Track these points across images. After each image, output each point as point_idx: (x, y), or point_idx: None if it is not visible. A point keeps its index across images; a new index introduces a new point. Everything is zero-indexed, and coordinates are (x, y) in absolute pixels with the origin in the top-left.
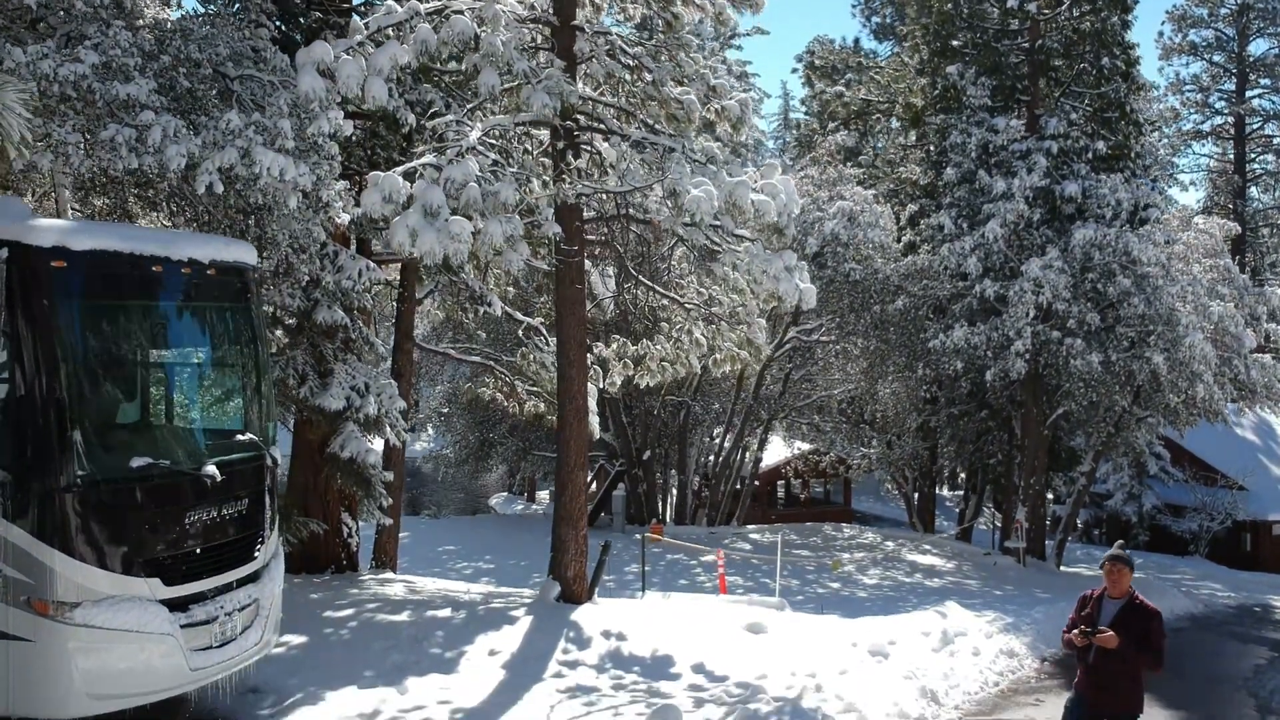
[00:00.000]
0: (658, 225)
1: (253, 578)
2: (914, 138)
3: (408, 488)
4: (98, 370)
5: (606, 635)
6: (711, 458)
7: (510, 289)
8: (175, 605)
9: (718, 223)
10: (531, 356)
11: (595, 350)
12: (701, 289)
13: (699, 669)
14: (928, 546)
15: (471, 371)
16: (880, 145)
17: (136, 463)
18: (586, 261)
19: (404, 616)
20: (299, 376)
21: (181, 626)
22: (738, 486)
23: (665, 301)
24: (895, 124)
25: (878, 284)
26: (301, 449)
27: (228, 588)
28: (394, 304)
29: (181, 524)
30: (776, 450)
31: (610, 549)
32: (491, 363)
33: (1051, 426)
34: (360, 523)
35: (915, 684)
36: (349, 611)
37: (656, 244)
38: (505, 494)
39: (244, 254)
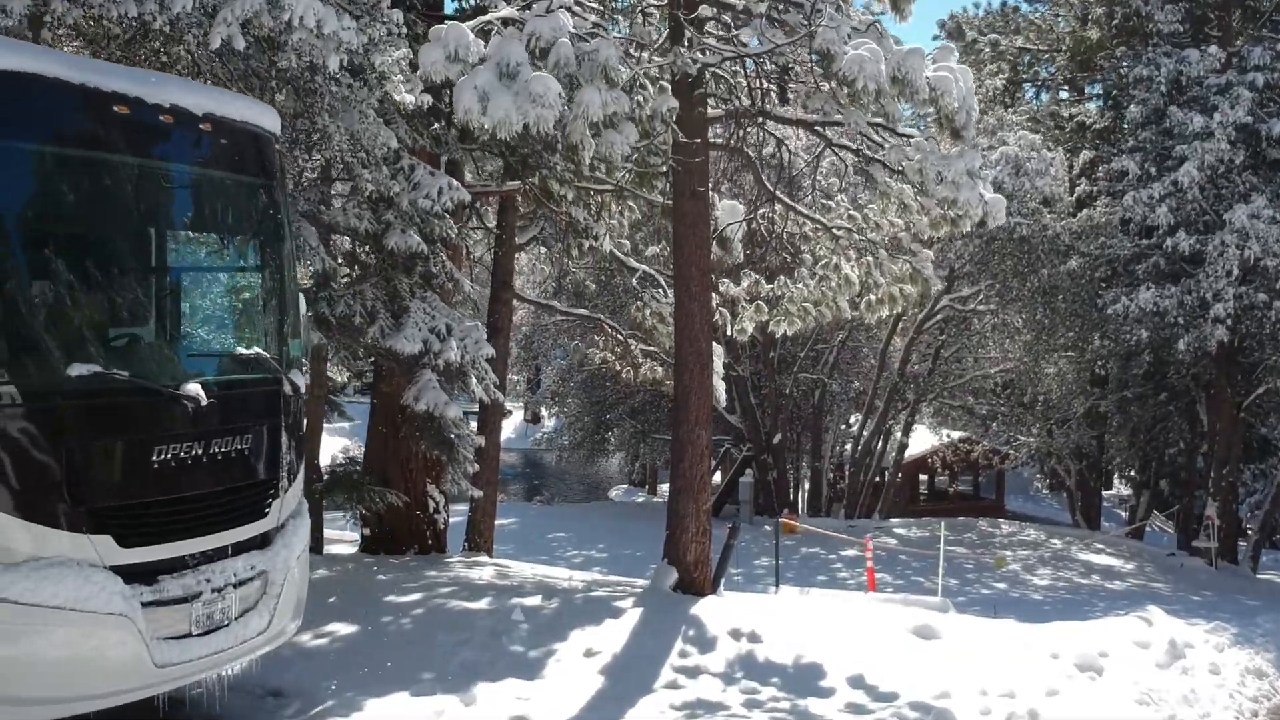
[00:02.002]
0: (804, 121)
1: (258, 542)
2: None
3: (524, 476)
4: (13, 240)
5: (735, 635)
6: (848, 445)
7: (624, 239)
8: (134, 575)
9: (878, 119)
10: (647, 310)
11: (721, 289)
12: (854, 212)
13: (857, 683)
14: (1100, 545)
15: (581, 332)
16: (1041, 97)
17: (76, 371)
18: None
19: (483, 604)
20: (367, 314)
21: (143, 605)
22: (878, 477)
23: (808, 228)
24: (1057, 72)
25: (1046, 242)
26: (379, 406)
27: (218, 554)
28: (490, 251)
29: (145, 462)
30: (920, 438)
31: (739, 532)
32: (600, 317)
33: (1246, 410)
34: (447, 497)
35: (1156, 712)
36: (416, 597)
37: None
38: (625, 486)
39: (259, 115)
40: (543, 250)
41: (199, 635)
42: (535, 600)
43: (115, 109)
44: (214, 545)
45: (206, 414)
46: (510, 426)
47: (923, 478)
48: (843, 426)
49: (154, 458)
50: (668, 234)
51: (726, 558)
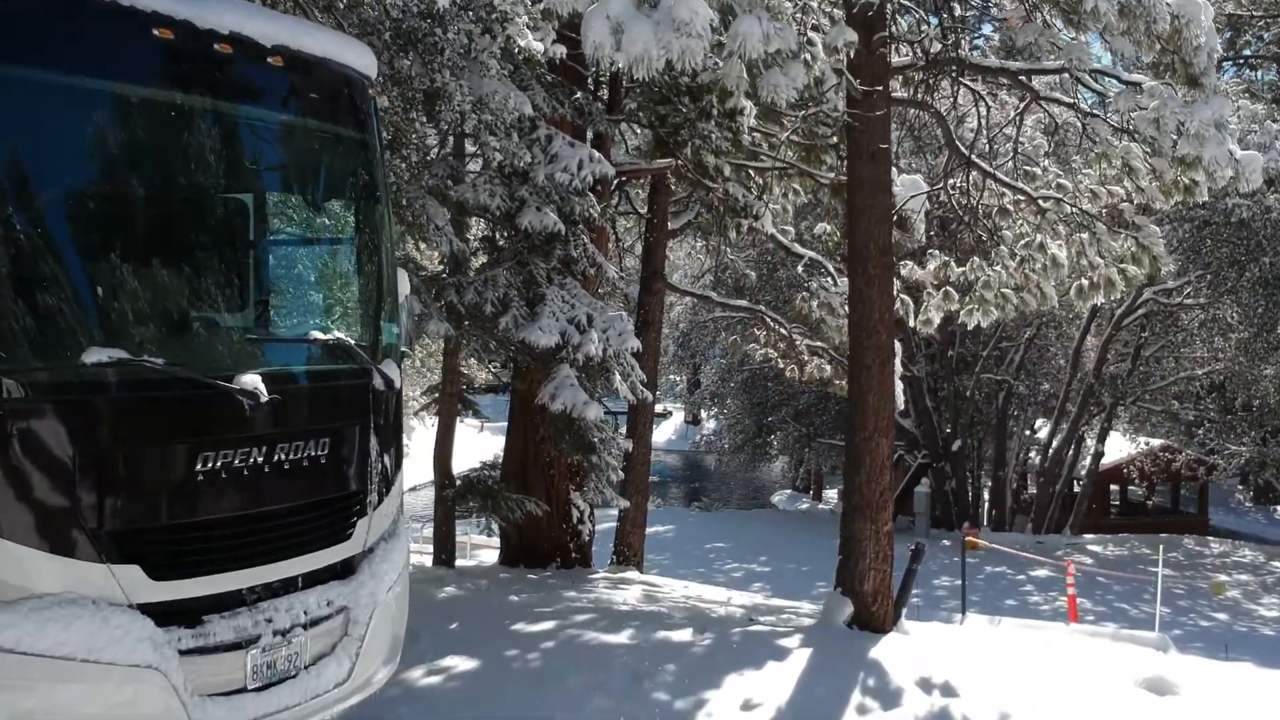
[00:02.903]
0: (1007, 69)
1: (338, 571)
2: None
3: (683, 479)
4: (9, 193)
5: (925, 686)
6: (1033, 453)
7: (788, 226)
8: (170, 615)
9: (1096, 66)
10: (814, 301)
11: (903, 273)
12: (1064, 179)
13: None
14: None
15: (741, 328)
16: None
17: (93, 358)
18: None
19: (623, 637)
20: (499, 303)
21: (181, 653)
22: (1069, 489)
23: (1008, 200)
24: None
25: (1270, 226)
26: (516, 406)
27: (284, 587)
28: (641, 238)
29: (187, 472)
30: (1114, 445)
31: (923, 555)
32: (761, 309)
33: None
34: (592, 505)
35: None
36: (548, 626)
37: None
38: (789, 491)
39: (347, 52)
40: (699, 243)
41: (256, 690)
42: (685, 634)
43: (155, 33)
44: (278, 576)
45: (270, 412)
46: (670, 427)
47: (1114, 488)
48: (1027, 433)
49: (199, 467)
50: (837, 216)
51: (909, 585)
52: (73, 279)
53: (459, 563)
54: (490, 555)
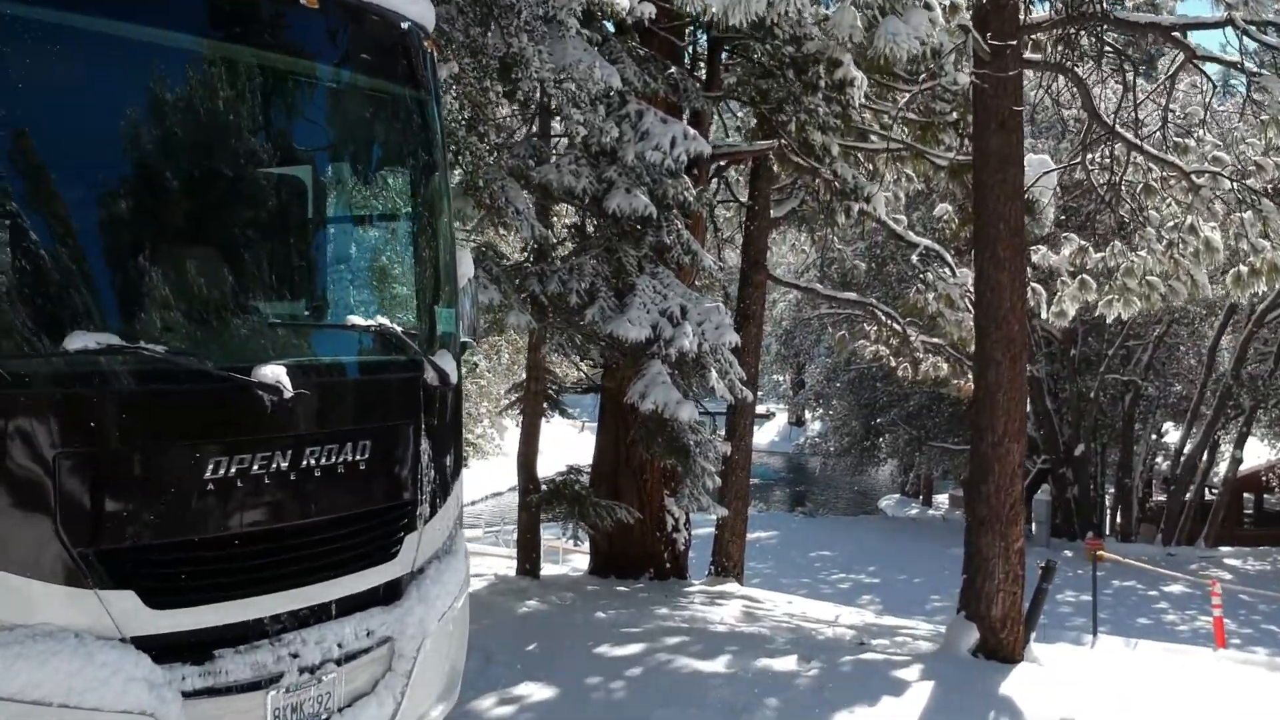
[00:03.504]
0: (1158, 24)
1: (380, 596)
2: None
3: (787, 482)
4: None
5: None
6: (1161, 459)
7: (899, 215)
8: (172, 650)
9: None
10: (930, 294)
11: (1034, 259)
12: (1220, 151)
13: None
14: None
15: (849, 324)
16: None
17: (77, 344)
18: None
19: (719, 665)
20: (585, 294)
21: (185, 695)
22: (1203, 496)
23: (1155, 176)
24: None
25: None
26: (606, 406)
27: (315, 615)
28: (741, 228)
29: (194, 480)
30: (1251, 450)
31: (1055, 573)
32: (872, 302)
33: None
34: (687, 513)
35: None
36: (636, 649)
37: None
38: (897, 496)
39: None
40: (803, 235)
41: None
42: (789, 662)
43: None
44: (307, 602)
45: (297, 410)
46: (773, 429)
47: (1247, 496)
48: (1154, 437)
49: (209, 474)
50: (956, 201)
51: (1039, 606)
52: (54, 248)
53: (549, 570)
54: (584, 561)
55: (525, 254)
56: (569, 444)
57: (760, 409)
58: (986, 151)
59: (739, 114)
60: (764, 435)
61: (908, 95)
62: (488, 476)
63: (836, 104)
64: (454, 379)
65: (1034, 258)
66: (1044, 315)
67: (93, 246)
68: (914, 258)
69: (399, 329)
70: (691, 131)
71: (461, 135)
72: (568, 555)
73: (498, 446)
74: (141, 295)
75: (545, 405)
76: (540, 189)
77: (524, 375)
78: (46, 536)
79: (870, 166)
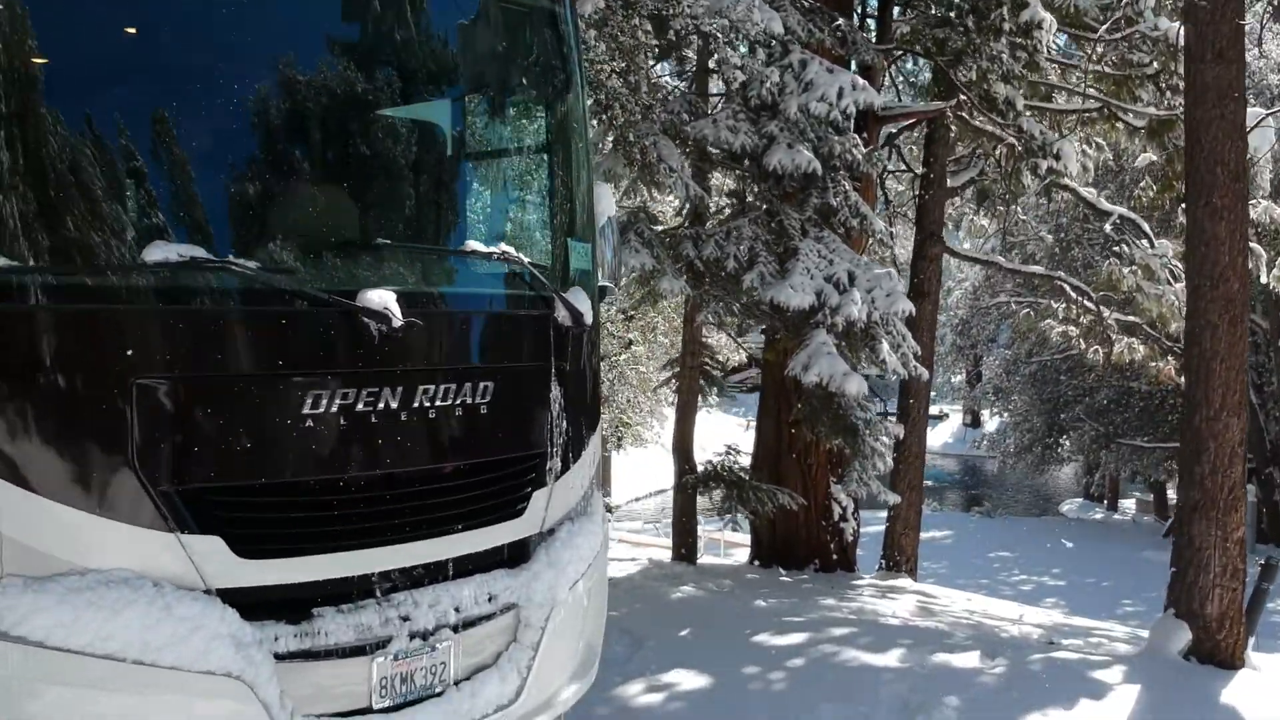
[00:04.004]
0: None
1: (503, 557)
2: None
3: (961, 484)
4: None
5: None
6: None
7: (1089, 186)
8: (263, 606)
9: None
10: (1125, 268)
11: (1252, 214)
12: None
13: None
14: None
15: (1030, 311)
16: None
17: (157, 255)
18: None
19: (891, 659)
20: (744, 258)
21: (277, 658)
22: None
23: None
24: None
25: None
26: (768, 381)
27: (428, 574)
28: (914, 198)
29: (289, 416)
30: None
31: (1276, 572)
32: (1060, 276)
33: None
34: (856, 501)
35: None
36: (798, 639)
37: None
38: (1079, 500)
39: None
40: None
41: (385, 712)
42: (970, 658)
43: None
44: (419, 559)
45: (409, 343)
46: (947, 430)
47: None
48: None
49: (307, 408)
50: (1155, 166)
51: (1259, 607)
52: (137, 152)
53: (704, 560)
54: (744, 555)
55: (679, 217)
56: (733, 440)
57: (933, 410)
58: (1201, 85)
59: (911, 79)
60: (937, 437)
61: (1100, 47)
62: (650, 471)
63: (1022, 50)
64: (589, 319)
65: (1252, 213)
66: (1264, 279)
67: (190, 159)
68: (1106, 227)
69: (525, 260)
70: (860, 81)
71: (611, 85)
72: (730, 549)
73: (657, 435)
74: (238, 209)
75: (702, 383)
76: (696, 146)
77: (680, 353)
78: (122, 471)
79: (1057, 133)
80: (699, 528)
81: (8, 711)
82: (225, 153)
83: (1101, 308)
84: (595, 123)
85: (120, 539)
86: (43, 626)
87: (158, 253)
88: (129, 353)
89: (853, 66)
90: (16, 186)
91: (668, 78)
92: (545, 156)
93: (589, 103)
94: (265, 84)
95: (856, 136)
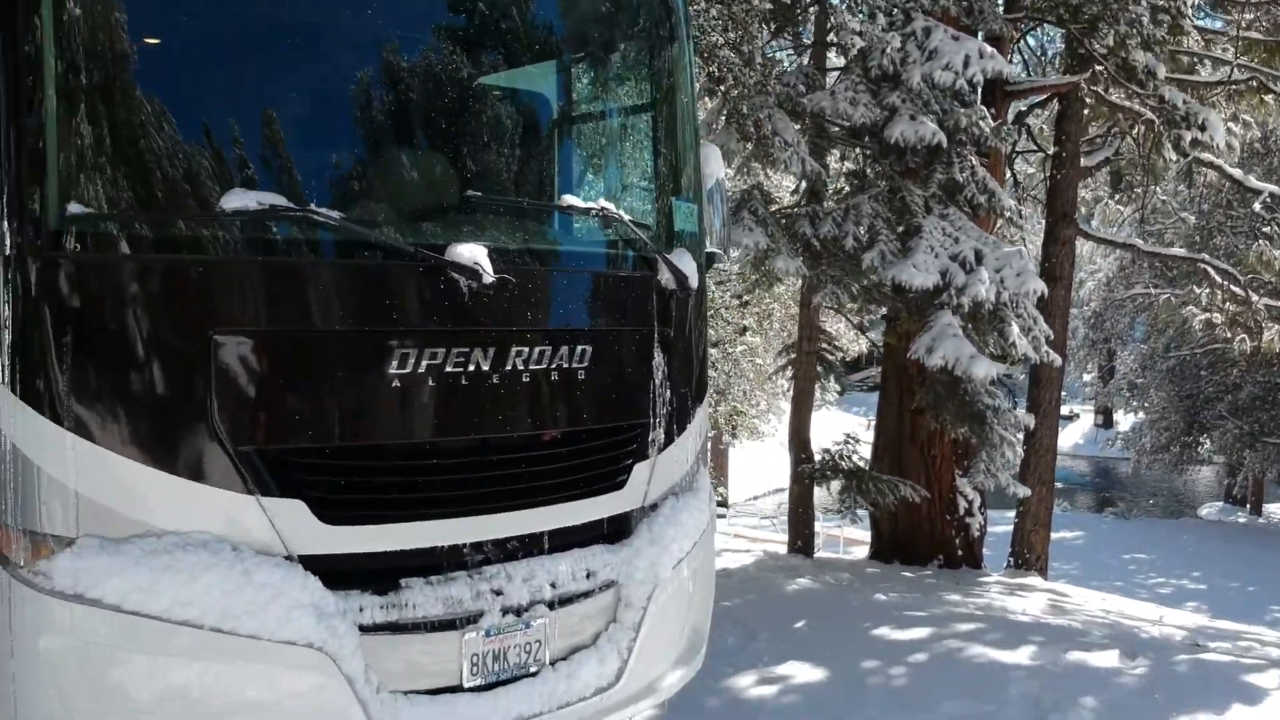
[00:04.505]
0: None
1: (602, 532)
2: None
3: (1092, 485)
4: None
5: None
6: None
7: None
8: (347, 575)
9: None
10: (1279, 251)
11: None
12: None
13: None
14: None
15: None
16: None
17: (236, 202)
18: None
19: (1022, 656)
20: (863, 238)
21: (362, 629)
22: None
23: None
24: None
25: None
26: (888, 367)
27: (521, 547)
28: (1045, 179)
29: (376, 376)
30: None
31: None
32: (1204, 258)
33: None
34: (983, 494)
35: None
36: (921, 633)
37: None
38: (1219, 504)
39: None
40: (1117, 198)
41: (475, 691)
42: (1108, 658)
43: None
44: (513, 531)
45: (502, 301)
46: (1077, 431)
47: None
48: None
49: (394, 368)
50: None
51: None
52: (220, 100)
53: (822, 554)
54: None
55: (795, 195)
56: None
57: (1063, 410)
58: None
59: (1040, 53)
60: (1067, 438)
61: (1250, 12)
62: (767, 467)
63: (1164, 14)
64: (694, 283)
65: None
66: None
67: (278, 110)
68: (1256, 206)
69: (626, 218)
70: (988, 49)
71: (724, 56)
72: (850, 546)
73: (774, 429)
74: (323, 157)
75: (820, 370)
76: (812, 120)
77: (796, 338)
78: (199, 429)
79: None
80: (817, 523)
81: (84, 677)
82: (314, 104)
83: (1249, 292)
84: (708, 97)
85: (198, 500)
86: (119, 589)
87: (236, 200)
88: (207, 305)
89: (979, 37)
90: (89, 132)
91: (783, 54)
92: (647, 111)
93: (699, 75)
94: (357, 36)
95: (984, 109)
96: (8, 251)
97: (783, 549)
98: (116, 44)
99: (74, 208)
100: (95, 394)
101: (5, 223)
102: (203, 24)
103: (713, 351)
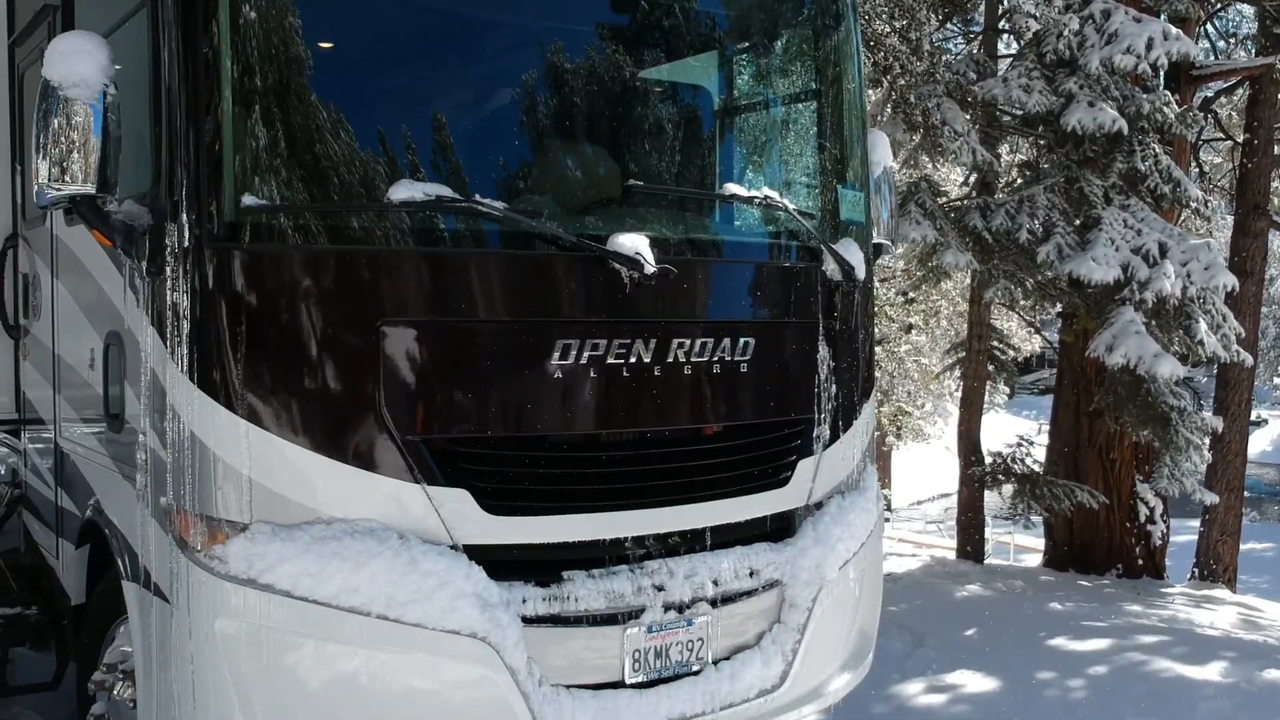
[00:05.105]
0: None
1: (766, 530)
2: None
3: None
4: None
5: None
6: None
7: None
8: (510, 566)
9: None
10: None
11: None
12: None
13: None
14: None
15: None
16: None
17: (401, 194)
18: None
19: (1211, 672)
20: (1038, 231)
21: (524, 621)
22: None
23: None
24: None
25: None
26: (1064, 366)
27: (683, 542)
28: (1234, 168)
29: (537, 367)
30: None
31: None
32: None
33: None
34: (1165, 501)
35: None
36: (1100, 644)
37: None
38: None
39: None
40: None
41: (637, 688)
42: None
43: None
44: (675, 526)
45: (663, 292)
46: (1266, 438)
47: None
48: None
49: (555, 359)
50: None
51: None
52: (381, 92)
53: (992, 561)
54: (1037, 561)
55: (965, 187)
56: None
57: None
58: None
59: (1229, 36)
60: (1255, 444)
61: None
62: (933, 472)
63: None
64: (861, 274)
65: None
66: None
67: (444, 103)
68: None
69: (790, 206)
70: (1173, 30)
71: (891, 44)
72: (1020, 553)
73: (941, 431)
74: (485, 149)
75: (991, 369)
76: (983, 109)
77: (965, 336)
78: (368, 418)
79: None
80: (986, 528)
81: (256, 661)
82: (478, 98)
83: None
84: (872, 88)
85: (365, 488)
86: (289, 575)
87: (403, 191)
88: (374, 295)
89: (1162, 19)
90: (263, 128)
91: (951, 43)
92: (813, 96)
93: (865, 65)
94: (521, 30)
95: (1167, 94)
96: (186, 244)
97: (950, 554)
98: (288, 45)
99: (248, 200)
100: (267, 382)
101: (184, 215)
102: (370, 23)
103: (877, 350)
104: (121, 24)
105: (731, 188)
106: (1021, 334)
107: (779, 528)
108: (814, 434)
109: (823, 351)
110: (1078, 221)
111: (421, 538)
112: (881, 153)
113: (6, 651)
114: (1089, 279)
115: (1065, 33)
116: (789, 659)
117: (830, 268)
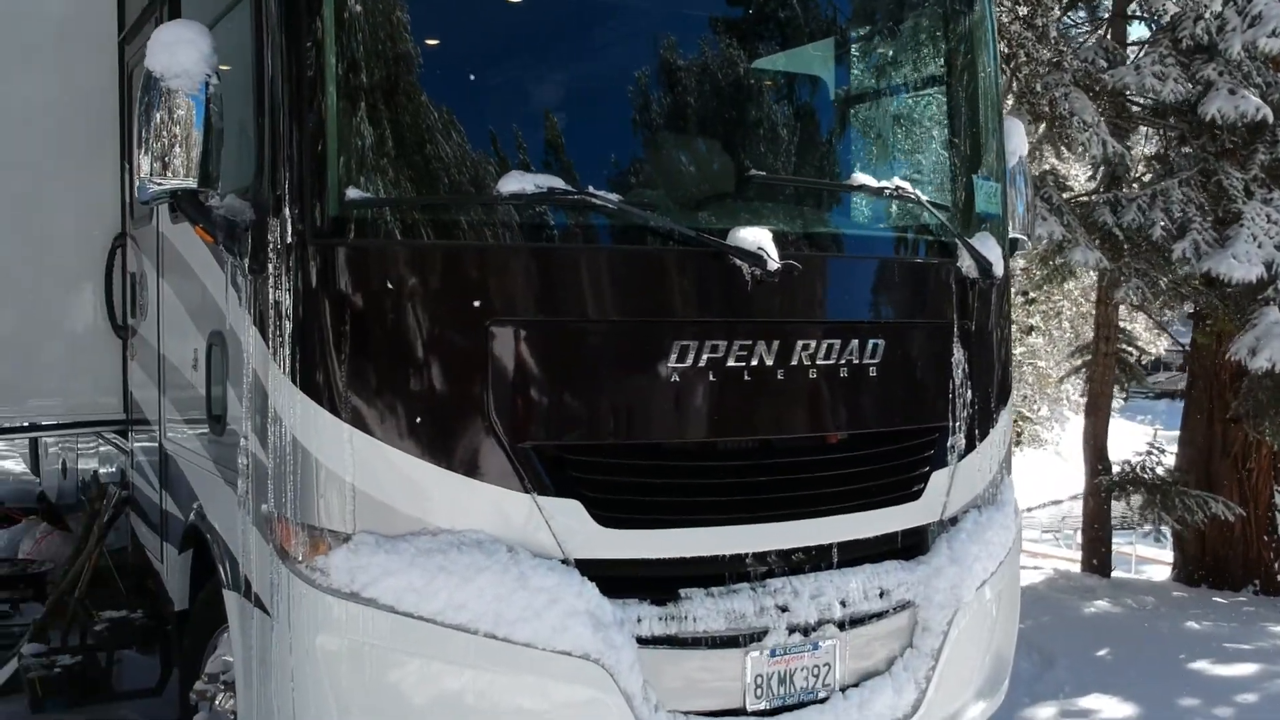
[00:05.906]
0: None
1: (896, 546)
2: None
3: None
4: None
5: None
6: None
7: None
8: (625, 583)
9: None
10: None
11: None
12: None
13: None
14: None
15: None
16: None
17: (512, 186)
18: None
19: None
20: (1173, 227)
21: (641, 642)
22: None
23: None
24: None
25: None
26: (1197, 370)
27: (811, 560)
28: None
29: (651, 370)
30: None
31: None
32: None
33: None
34: None
35: None
36: (1245, 669)
37: None
38: None
39: None
40: None
41: (759, 715)
42: None
43: None
44: (798, 542)
45: (787, 290)
46: None
47: None
48: None
49: (672, 362)
50: None
51: None
52: (488, 85)
53: (1117, 574)
54: (1162, 574)
55: (1094, 181)
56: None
57: None
58: None
59: None
60: None
61: None
62: (1043, 478)
63: None
64: (999, 271)
65: None
66: None
67: (555, 94)
68: None
69: (923, 199)
70: None
71: (1014, 30)
72: (1141, 564)
73: (1058, 438)
74: (597, 139)
75: (1119, 374)
76: (1112, 99)
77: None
78: (476, 424)
79: None
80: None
81: (359, 678)
82: (589, 89)
83: None
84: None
85: (472, 498)
86: (394, 589)
87: (513, 183)
88: (483, 293)
89: None
90: (368, 121)
91: (1076, 30)
92: (944, 82)
93: None
94: (633, 19)
95: None
96: (289, 239)
97: (1068, 565)
98: (394, 40)
99: (353, 193)
100: (372, 385)
101: (286, 209)
102: (475, 14)
103: None
104: (226, 13)
105: (860, 177)
106: (1147, 335)
107: (911, 545)
108: (948, 443)
109: (957, 354)
110: (1216, 216)
111: (531, 551)
112: (1016, 141)
113: (113, 654)
114: (1229, 277)
115: (1205, 16)
116: (922, 687)
117: (965, 264)
